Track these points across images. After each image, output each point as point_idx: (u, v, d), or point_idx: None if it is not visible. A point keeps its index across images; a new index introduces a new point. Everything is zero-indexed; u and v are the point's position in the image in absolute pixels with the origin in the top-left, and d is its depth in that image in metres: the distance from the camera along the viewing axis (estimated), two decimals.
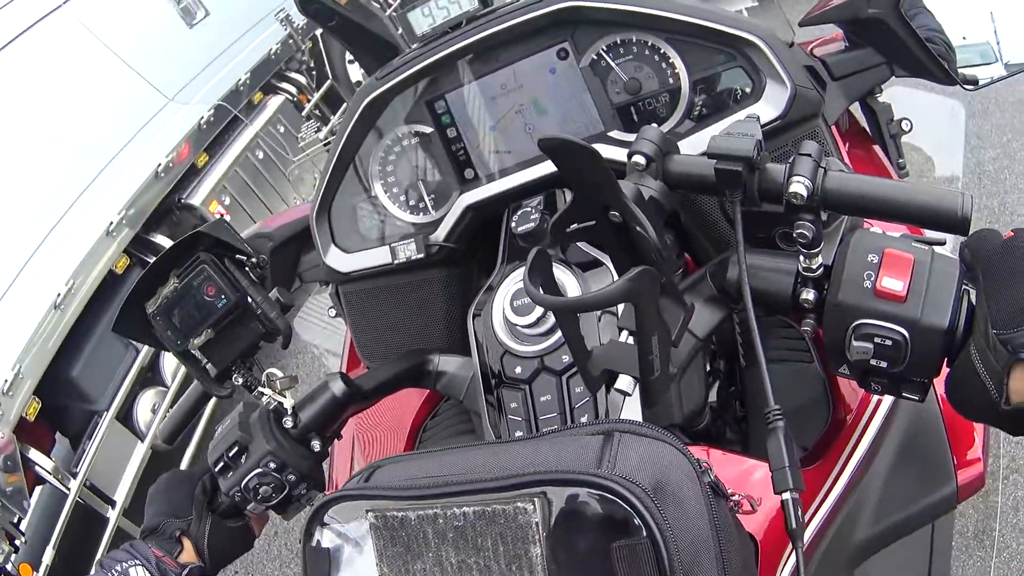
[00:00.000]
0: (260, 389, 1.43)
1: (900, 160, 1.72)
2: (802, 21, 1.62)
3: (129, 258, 4.95)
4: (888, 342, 0.93)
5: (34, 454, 3.94)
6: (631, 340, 1.07)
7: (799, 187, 0.97)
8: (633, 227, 1.02)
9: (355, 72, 7.89)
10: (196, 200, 5.51)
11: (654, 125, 1.18)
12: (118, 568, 1.22)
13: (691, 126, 1.53)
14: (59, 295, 4.25)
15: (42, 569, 3.72)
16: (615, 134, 1.56)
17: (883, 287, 0.93)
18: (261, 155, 6.19)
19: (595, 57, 1.54)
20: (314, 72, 7.45)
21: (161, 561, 1.26)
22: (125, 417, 4.49)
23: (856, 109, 1.78)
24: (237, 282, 1.38)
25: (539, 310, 1.29)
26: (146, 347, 4.63)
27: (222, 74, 6.16)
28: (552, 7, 1.48)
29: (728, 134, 1.04)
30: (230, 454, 1.36)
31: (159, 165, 5.23)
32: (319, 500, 1.05)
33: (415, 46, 1.61)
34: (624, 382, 1.12)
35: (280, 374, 1.47)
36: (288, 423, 1.40)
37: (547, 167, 1.56)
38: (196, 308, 1.37)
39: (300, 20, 7.15)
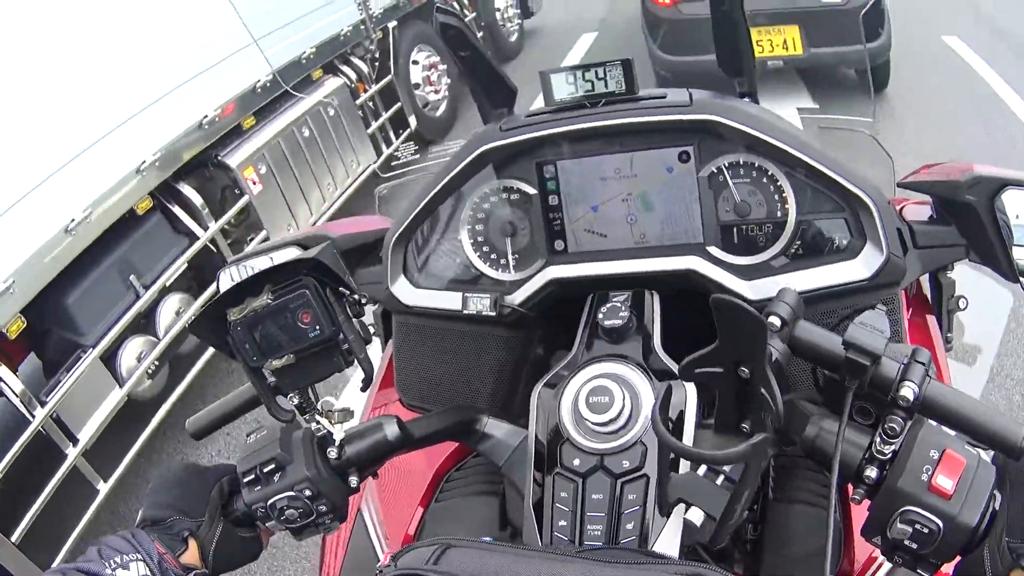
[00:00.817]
0: (317, 418, 1.38)
1: (948, 334, 1.77)
2: (901, 183, 1.66)
3: (152, 200, 4.80)
4: (926, 529, 0.99)
5: (4, 372, 3.76)
6: (718, 481, 1.12)
7: (908, 391, 1.02)
8: (758, 389, 1.06)
9: (416, 74, 7.82)
10: (232, 161, 5.36)
11: (793, 288, 1.18)
12: (117, 559, 1.12)
13: (784, 263, 1.56)
14: (74, 220, 4.09)
15: None
16: (713, 250, 1.57)
17: (937, 483, 0.99)
18: (307, 132, 6.07)
19: (715, 170, 1.55)
20: (377, 64, 7.31)
21: (163, 559, 1.18)
22: (108, 358, 4.31)
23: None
24: (335, 315, 1.31)
25: (614, 411, 1.27)
26: (148, 293, 4.54)
27: (290, 41, 6.07)
28: (695, 116, 1.51)
29: (862, 324, 1.08)
30: (264, 469, 1.29)
31: (205, 116, 5.14)
32: (392, 571, 1.03)
33: (548, 108, 1.61)
34: (695, 515, 1.12)
35: (336, 404, 1.43)
36: (332, 454, 1.35)
37: (641, 264, 1.58)
38: (284, 330, 1.31)
39: (377, 8, 7.09)
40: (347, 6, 6.87)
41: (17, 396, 3.76)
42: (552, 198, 1.64)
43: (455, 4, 8.99)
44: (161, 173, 4.79)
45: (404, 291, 1.73)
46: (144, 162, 4.60)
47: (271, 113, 5.89)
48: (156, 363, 4.55)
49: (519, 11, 10.93)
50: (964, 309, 1.75)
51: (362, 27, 7.04)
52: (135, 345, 4.48)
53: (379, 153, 7.03)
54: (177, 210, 4.94)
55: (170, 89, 4.91)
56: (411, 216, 1.70)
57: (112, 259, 4.45)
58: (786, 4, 6.63)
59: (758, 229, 1.56)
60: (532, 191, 1.66)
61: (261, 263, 1.71)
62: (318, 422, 1.37)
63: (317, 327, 1.29)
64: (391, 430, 1.38)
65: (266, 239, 5.44)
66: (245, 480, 1.29)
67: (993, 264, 1.51)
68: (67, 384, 3.99)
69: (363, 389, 1.44)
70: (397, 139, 7.40)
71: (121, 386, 4.33)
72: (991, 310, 1.92)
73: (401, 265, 1.75)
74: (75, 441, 3.99)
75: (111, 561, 1.11)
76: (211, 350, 4.78)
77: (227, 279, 1.78)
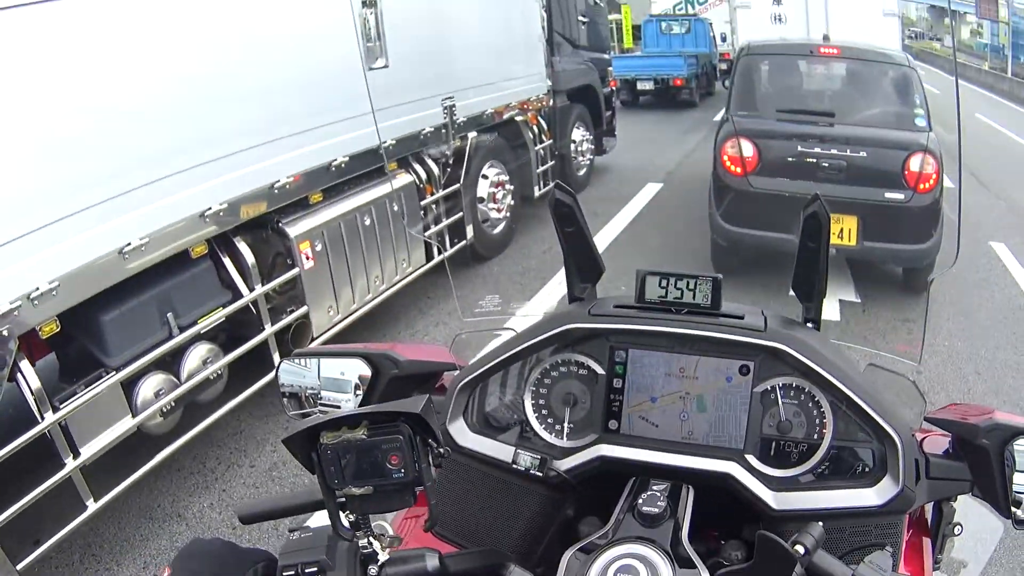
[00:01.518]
0: (370, 539, 1.44)
1: (939, 556, 1.83)
2: (928, 417, 1.74)
3: (207, 247, 4.82)
4: None
5: (26, 367, 3.78)
6: None
7: None
8: None
9: (483, 188, 7.92)
10: (292, 231, 5.40)
11: (822, 525, 1.34)
12: None
13: (810, 480, 1.66)
14: (129, 244, 4.14)
15: None
16: (750, 458, 1.67)
17: None
18: (368, 221, 6.10)
19: (768, 388, 1.68)
20: (449, 169, 7.38)
21: None
22: (128, 385, 4.30)
23: None
24: (419, 464, 1.39)
25: None
26: (182, 336, 4.53)
27: (371, 129, 6.08)
28: (767, 343, 1.66)
29: (870, 564, 1.27)
30: (307, 570, 1.36)
31: (277, 180, 5.21)
32: None
33: (636, 303, 1.77)
34: None
35: (390, 531, 1.56)
36: (372, 571, 1.41)
37: (684, 459, 1.66)
38: (371, 465, 1.39)
39: (461, 116, 7.22)
40: (435, 107, 7.00)
41: (32, 393, 3.76)
42: (616, 381, 1.75)
43: (534, 129, 9.17)
44: (223, 223, 4.81)
45: (459, 431, 1.81)
46: (210, 208, 4.66)
47: (338, 194, 5.94)
48: (173, 403, 4.49)
49: (592, 147, 11.20)
50: (959, 535, 1.82)
51: (443, 130, 7.15)
52: (156, 380, 4.42)
53: (430, 258, 7.00)
54: (228, 263, 4.94)
55: (262, 142, 5.05)
56: (483, 368, 1.81)
57: (155, 292, 4.46)
58: (848, 194, 6.70)
59: (794, 446, 1.67)
60: (600, 371, 1.77)
61: (329, 367, 1.96)
62: (369, 543, 1.42)
63: (402, 470, 1.37)
64: (432, 563, 1.44)
65: (305, 315, 5.45)
66: (284, 574, 1.35)
67: (992, 501, 1.60)
68: (83, 398, 3.97)
69: (426, 529, 1.49)
70: (451, 248, 7.42)
71: (134, 416, 4.27)
72: (983, 536, 1.97)
73: (463, 408, 1.84)
74: (77, 454, 3.95)
75: None
76: (226, 409, 4.81)
77: (287, 371, 1.99)
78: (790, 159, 6.94)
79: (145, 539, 4.43)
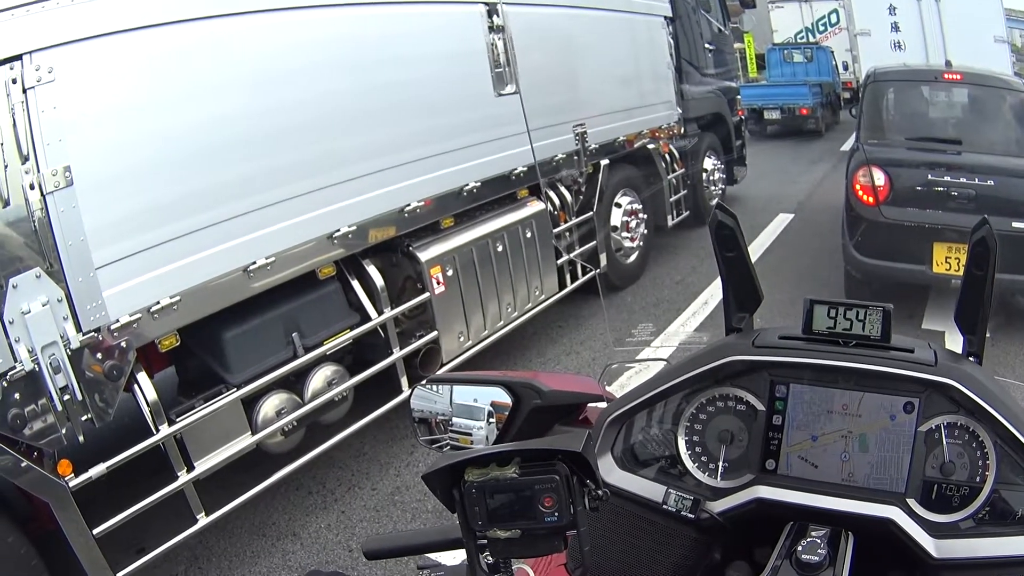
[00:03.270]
0: None
1: None
2: None
3: (336, 269, 4.73)
4: None
5: (143, 379, 3.79)
6: None
7: None
8: None
9: (616, 216, 7.65)
10: (423, 255, 5.24)
11: None
12: None
13: (971, 526, 1.52)
14: (255, 263, 4.11)
15: (82, 476, 3.48)
16: (911, 502, 1.53)
17: None
18: (500, 248, 5.88)
19: (934, 427, 1.54)
20: (581, 196, 7.09)
21: None
22: (249, 402, 4.25)
23: None
24: (575, 508, 1.26)
25: None
26: (307, 356, 4.45)
27: (502, 155, 5.97)
28: (938, 378, 1.53)
29: None
30: None
31: (408, 204, 5.09)
32: None
33: (803, 335, 1.65)
34: None
35: (531, 574, 1.51)
36: None
37: (845, 503, 1.54)
38: (521, 506, 1.27)
39: (593, 143, 6.97)
40: (566, 134, 6.77)
41: (148, 405, 3.76)
42: (776, 418, 1.63)
43: (666, 157, 8.84)
44: (352, 246, 4.73)
45: (607, 468, 1.71)
46: (339, 231, 4.59)
47: (470, 219, 5.78)
48: (295, 423, 4.41)
49: (724, 176, 10.79)
50: None
51: (575, 158, 6.89)
52: (279, 399, 4.36)
53: (563, 286, 6.73)
54: (356, 286, 4.86)
55: (393, 165, 4.98)
56: (636, 402, 1.72)
57: (281, 312, 4.42)
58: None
59: (955, 490, 1.53)
60: (760, 407, 1.65)
61: (462, 393, 1.86)
62: None
63: (556, 513, 1.25)
64: None
65: (435, 340, 5.28)
66: None
67: None
68: (201, 413, 3.96)
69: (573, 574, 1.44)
70: (584, 276, 7.09)
71: (254, 433, 4.22)
72: None
73: (611, 443, 1.74)
74: (191, 468, 3.93)
75: None
76: (350, 431, 4.71)
77: (419, 396, 1.89)
78: (920, 188, 6.59)
79: (256, 556, 4.34)
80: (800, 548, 1.40)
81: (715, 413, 1.70)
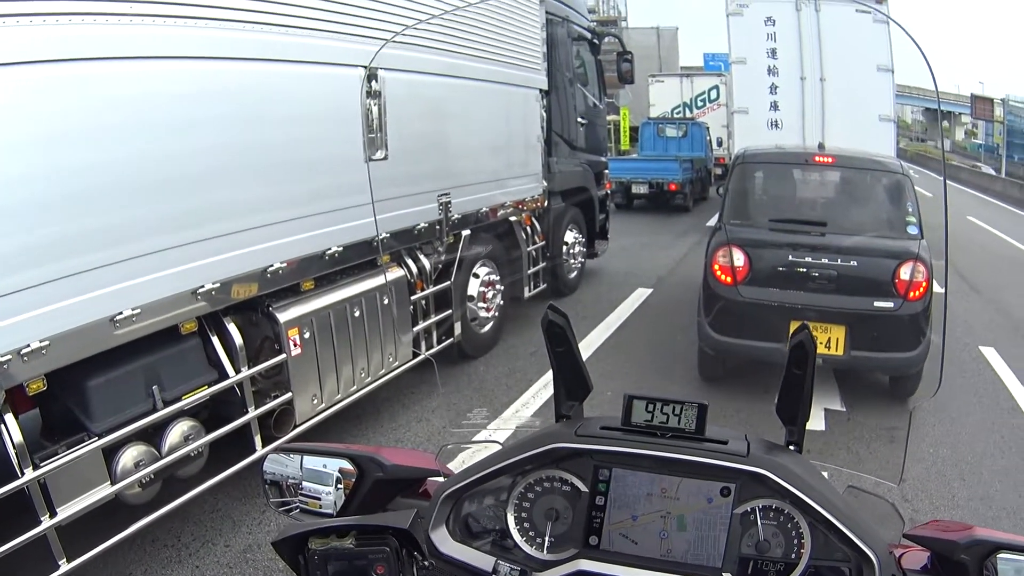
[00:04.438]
0: None
1: None
2: (907, 534, 1.80)
3: (197, 325, 4.93)
4: None
5: (10, 420, 3.86)
6: None
7: None
8: None
9: (473, 286, 8.15)
10: (282, 316, 5.51)
11: None
12: None
13: None
14: (120, 313, 4.25)
15: None
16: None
17: None
18: (357, 313, 6.22)
19: (749, 510, 1.76)
20: (440, 266, 7.56)
21: None
22: (109, 452, 4.34)
23: None
24: (406, 574, 1.53)
25: None
26: (166, 410, 4.60)
27: (367, 220, 6.27)
28: (749, 468, 1.74)
29: None
30: None
31: (271, 265, 5.35)
32: None
33: (622, 426, 1.87)
34: None
35: None
36: None
37: None
38: (357, 573, 1.53)
39: (456, 213, 7.50)
40: (431, 203, 7.23)
41: (14, 447, 3.83)
42: (599, 499, 1.82)
43: (527, 229, 9.47)
44: (215, 302, 4.92)
45: (441, 539, 1.87)
46: (203, 286, 4.78)
47: (330, 283, 6.08)
48: (152, 476, 4.53)
49: (584, 250, 11.47)
50: None
51: (437, 227, 7.34)
52: (138, 451, 4.47)
53: (416, 354, 7.10)
54: (216, 342, 5.04)
55: (259, 224, 5.22)
56: (469, 480, 1.89)
57: (143, 363, 4.55)
58: (838, 304, 6.85)
59: (771, 565, 1.75)
60: (584, 488, 1.85)
61: (312, 459, 2.03)
62: None
63: None
64: None
65: (289, 402, 5.54)
66: None
67: None
68: (64, 459, 4.04)
69: None
70: (438, 345, 7.56)
71: (113, 483, 4.32)
72: None
73: (446, 517, 1.90)
74: (54, 513, 3.99)
75: None
76: (205, 486, 4.84)
77: (273, 463, 2.06)
78: (781, 268, 7.07)
79: None
80: None
81: (542, 492, 1.89)
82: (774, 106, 15.44)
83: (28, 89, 3.80)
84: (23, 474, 3.84)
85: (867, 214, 7.62)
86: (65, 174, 3.98)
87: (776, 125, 15.37)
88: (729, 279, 7.21)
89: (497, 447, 2.04)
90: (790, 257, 7.06)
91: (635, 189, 22.20)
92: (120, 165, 4.25)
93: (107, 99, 4.17)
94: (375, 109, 6.26)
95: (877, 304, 6.85)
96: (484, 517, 1.93)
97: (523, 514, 1.89)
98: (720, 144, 26.93)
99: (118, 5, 4.15)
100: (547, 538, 1.84)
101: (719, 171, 25.20)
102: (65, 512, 4.04)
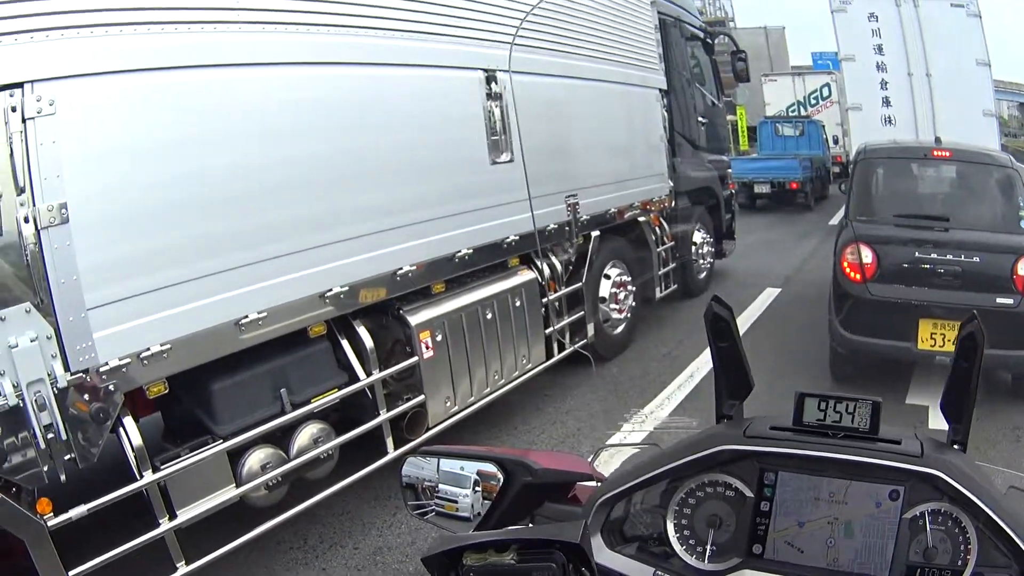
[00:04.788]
0: None
1: None
2: None
3: (326, 328, 4.76)
4: None
5: (129, 423, 3.76)
6: None
7: None
8: None
9: (604, 287, 7.74)
10: (413, 319, 5.29)
11: None
12: None
13: None
14: (247, 317, 4.14)
15: (61, 516, 3.43)
16: None
17: None
18: (489, 315, 5.94)
19: (918, 515, 1.61)
20: (571, 267, 7.18)
21: None
22: (234, 454, 4.22)
23: None
24: None
25: None
26: (295, 413, 4.45)
27: (495, 223, 6.08)
28: (924, 469, 1.59)
29: None
30: None
31: (400, 268, 5.15)
32: None
33: (793, 426, 1.71)
34: None
35: None
36: None
37: None
38: None
39: (584, 214, 7.09)
40: (559, 204, 6.89)
41: (133, 450, 3.74)
42: (764, 504, 1.68)
43: (656, 230, 9.02)
44: (343, 306, 4.76)
45: (596, 547, 1.73)
46: (331, 290, 4.63)
47: (461, 285, 5.84)
48: (279, 478, 4.40)
49: (712, 250, 10.95)
50: None
51: (567, 228, 7.00)
52: (264, 454, 4.35)
53: (550, 355, 6.78)
54: (346, 345, 4.88)
55: (388, 227, 5.05)
56: (628, 485, 1.76)
57: (271, 367, 4.43)
58: (962, 300, 6.40)
59: (937, 574, 1.59)
60: (749, 494, 1.70)
61: (448, 461, 1.91)
62: None
63: None
64: None
65: (422, 404, 5.30)
66: None
67: None
68: (186, 462, 3.93)
69: None
70: (571, 346, 7.16)
71: (238, 486, 4.19)
72: None
73: (600, 524, 1.78)
74: (173, 516, 3.88)
75: None
76: (334, 489, 4.68)
77: (411, 466, 1.94)
78: (907, 265, 6.74)
79: None
80: None
81: (704, 498, 1.74)
82: (886, 102, 15.26)
83: (156, 94, 3.78)
84: (142, 477, 3.74)
85: (984, 208, 7.27)
86: (189, 179, 3.93)
87: (889, 121, 15.16)
88: (858, 276, 6.87)
89: (657, 450, 1.90)
90: (916, 254, 6.71)
91: (757, 189, 21.39)
92: (247, 170, 4.20)
93: (235, 105, 4.16)
94: (497, 111, 6.07)
95: (999, 300, 6.39)
96: (641, 524, 1.80)
97: (683, 521, 1.75)
98: (836, 142, 25.87)
99: (245, 14, 4.14)
100: (709, 546, 1.69)
101: (836, 169, 24.32)
102: (185, 515, 3.94)
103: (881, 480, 1.62)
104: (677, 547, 1.73)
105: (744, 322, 9.32)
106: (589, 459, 2.15)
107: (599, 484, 1.87)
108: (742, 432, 1.73)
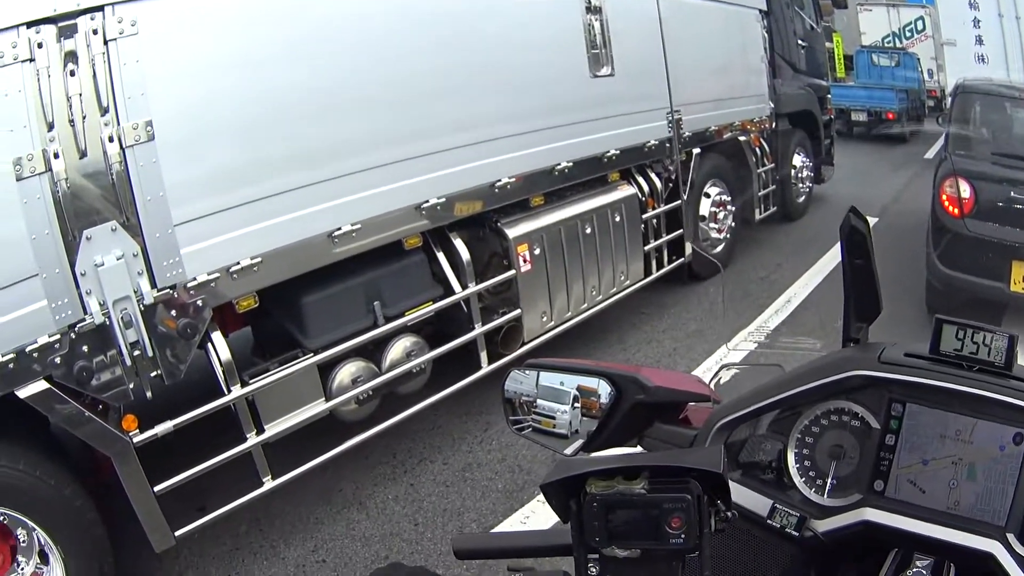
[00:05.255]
0: None
1: None
2: None
3: (422, 240, 4.43)
4: None
5: (218, 338, 3.53)
6: None
7: None
8: None
9: (704, 206, 7.17)
10: (511, 232, 4.89)
11: None
12: None
13: None
14: (340, 229, 3.84)
15: (147, 432, 3.28)
16: (1011, 538, 1.34)
17: None
18: (589, 230, 5.47)
19: None
20: (671, 185, 6.59)
21: None
22: (325, 368, 3.98)
23: None
24: (701, 530, 1.07)
25: None
26: (388, 326, 4.16)
27: (595, 136, 5.54)
28: None
29: None
30: None
31: (499, 180, 4.74)
32: None
33: (928, 354, 1.45)
34: None
35: None
36: None
37: (948, 533, 1.35)
38: (645, 524, 1.09)
39: (686, 130, 6.53)
40: (659, 120, 6.32)
41: (221, 365, 3.53)
42: (889, 437, 1.45)
43: (756, 151, 8.30)
44: (439, 218, 4.43)
45: None
46: (427, 201, 4.30)
47: (560, 199, 5.38)
48: (370, 392, 4.13)
49: (812, 175, 10.16)
50: None
51: (668, 145, 6.42)
52: (356, 367, 4.09)
53: (648, 273, 6.29)
54: (442, 258, 4.55)
55: (486, 139, 4.66)
56: (749, 409, 1.54)
57: (364, 279, 4.16)
58: None
59: None
60: (875, 425, 1.47)
61: (548, 376, 1.68)
62: None
63: (682, 536, 1.08)
64: None
65: (518, 319, 4.93)
66: None
67: None
68: (276, 376, 3.71)
69: None
70: (669, 265, 6.64)
71: (328, 400, 3.94)
72: None
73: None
74: (261, 430, 3.68)
75: None
76: (426, 403, 4.41)
77: (512, 380, 1.73)
78: (1002, 204, 6.18)
79: (319, 522, 4.06)
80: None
81: (828, 427, 1.51)
82: (979, 40, 14.71)
83: (246, 11, 3.54)
84: (229, 391, 3.51)
85: None
86: (276, 92, 3.66)
87: (982, 60, 14.64)
88: (956, 211, 6.32)
89: (779, 371, 1.63)
90: (1012, 193, 6.16)
91: (854, 116, 20.11)
92: (340, 83, 3.91)
93: (325, 18, 3.85)
94: (597, 25, 5.54)
95: None
96: (758, 452, 1.54)
97: (805, 451, 1.51)
98: (931, 76, 24.32)
99: None
100: (830, 480, 1.47)
101: (931, 103, 22.75)
102: (274, 429, 3.73)
103: (1008, 421, 1.39)
104: (796, 479, 1.51)
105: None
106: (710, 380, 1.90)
107: (716, 406, 1.63)
108: (876, 357, 1.48)
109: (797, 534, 1.44)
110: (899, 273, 7.65)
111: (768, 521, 1.46)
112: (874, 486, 1.46)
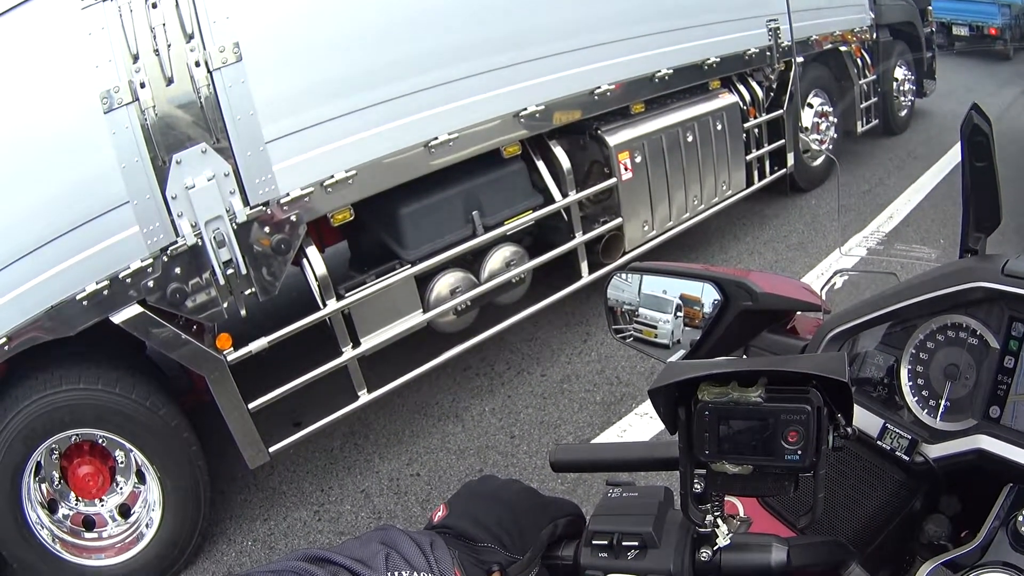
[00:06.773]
0: (718, 525, 0.91)
1: None
2: None
3: (521, 149, 3.93)
4: None
5: (313, 253, 3.25)
6: None
7: None
8: None
9: (806, 117, 6.39)
10: (611, 140, 4.35)
11: None
12: (405, 573, 0.77)
13: None
14: (436, 139, 3.44)
15: (241, 350, 3.07)
16: None
17: None
18: (690, 138, 4.84)
19: None
20: (772, 94, 5.83)
21: None
22: (422, 279, 3.64)
23: None
24: (820, 449, 0.83)
25: None
26: (487, 236, 3.75)
27: (695, 43, 4.86)
28: None
29: None
30: (624, 542, 0.91)
31: (599, 87, 4.18)
32: None
33: None
34: None
35: (741, 510, 1.06)
36: (704, 556, 0.91)
37: None
38: (760, 437, 0.84)
39: (786, 40, 5.73)
40: (759, 28, 5.55)
41: (317, 280, 3.27)
42: (1009, 360, 1.13)
43: (858, 62, 7.33)
44: (537, 127, 3.93)
45: None
46: (526, 109, 3.82)
47: (661, 107, 4.75)
48: (468, 303, 3.75)
49: (914, 88, 9.02)
50: None
51: (768, 53, 5.64)
52: (454, 278, 3.72)
53: (750, 183, 5.60)
54: (542, 167, 4.05)
55: (585, 45, 4.12)
56: (863, 319, 1.26)
57: (462, 189, 3.74)
58: None
59: None
60: (995, 344, 1.14)
61: (651, 283, 1.48)
62: (714, 522, 0.90)
63: (799, 452, 0.83)
64: (779, 556, 0.91)
65: (619, 227, 4.41)
66: (594, 541, 0.93)
67: None
68: (373, 288, 3.42)
69: (803, 526, 1.01)
70: (771, 175, 5.93)
71: (425, 311, 3.62)
72: None
73: None
74: (357, 344, 3.40)
75: (398, 574, 0.77)
76: (525, 313, 3.99)
77: (614, 288, 1.53)
78: None
79: (415, 435, 3.75)
80: (1021, 517, 0.99)
81: (944, 344, 1.24)
82: None
83: None
84: (325, 305, 3.28)
85: None
86: (372, 3, 3.30)
87: None
88: None
89: (892, 279, 1.34)
90: None
91: (956, 31, 18.22)
92: None
93: None
94: None
95: None
96: (870, 367, 1.24)
97: (919, 368, 1.19)
98: None
99: None
100: (944, 401, 1.16)
101: None
102: (370, 342, 3.41)
103: None
104: (909, 398, 1.24)
105: (945, 166, 7.55)
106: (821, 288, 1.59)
107: (827, 315, 1.39)
108: (999, 268, 1.19)
109: (908, 458, 1.20)
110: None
111: (878, 442, 1.22)
112: (990, 412, 1.20)
